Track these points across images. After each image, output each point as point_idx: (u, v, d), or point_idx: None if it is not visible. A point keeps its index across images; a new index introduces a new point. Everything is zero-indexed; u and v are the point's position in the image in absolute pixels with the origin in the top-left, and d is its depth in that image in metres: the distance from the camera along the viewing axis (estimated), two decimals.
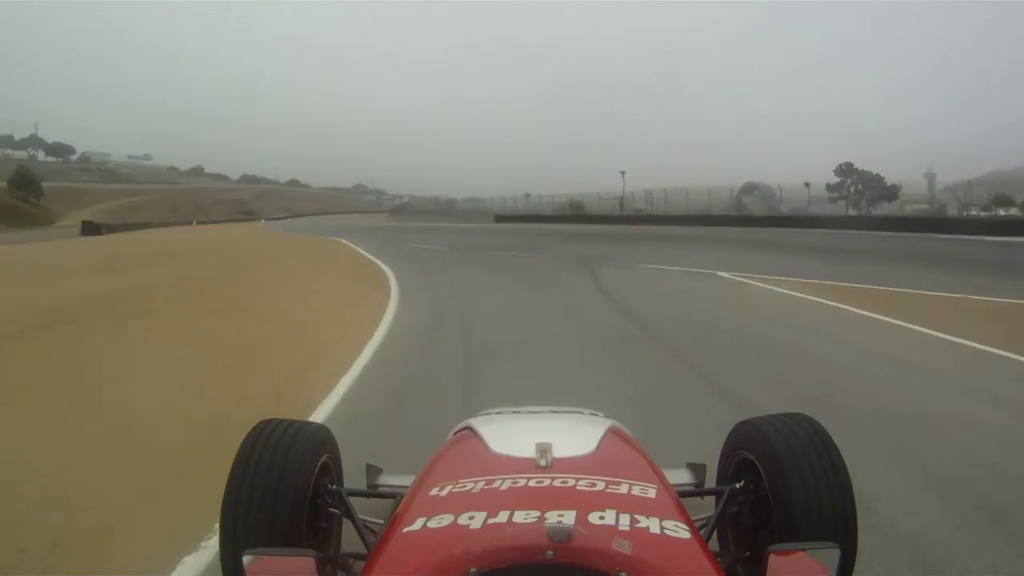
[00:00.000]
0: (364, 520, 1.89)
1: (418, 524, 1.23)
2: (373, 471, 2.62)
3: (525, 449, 1.57)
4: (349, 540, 1.98)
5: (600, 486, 1.35)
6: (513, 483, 1.37)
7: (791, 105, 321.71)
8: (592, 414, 2.21)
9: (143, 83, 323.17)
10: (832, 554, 1.22)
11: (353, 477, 2.44)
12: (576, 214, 52.21)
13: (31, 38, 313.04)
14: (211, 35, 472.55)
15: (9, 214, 60.25)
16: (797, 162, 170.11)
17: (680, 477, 2.44)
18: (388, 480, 2.55)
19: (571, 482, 1.36)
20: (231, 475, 1.74)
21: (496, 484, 1.37)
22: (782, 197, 46.87)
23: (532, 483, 1.37)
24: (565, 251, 19.81)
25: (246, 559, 1.28)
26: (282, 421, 1.93)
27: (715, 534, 1.89)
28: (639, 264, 14.86)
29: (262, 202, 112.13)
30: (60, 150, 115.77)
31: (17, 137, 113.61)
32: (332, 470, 2.05)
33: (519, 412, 2.24)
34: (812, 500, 1.69)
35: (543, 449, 1.54)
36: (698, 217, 39.99)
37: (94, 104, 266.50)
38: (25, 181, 69.77)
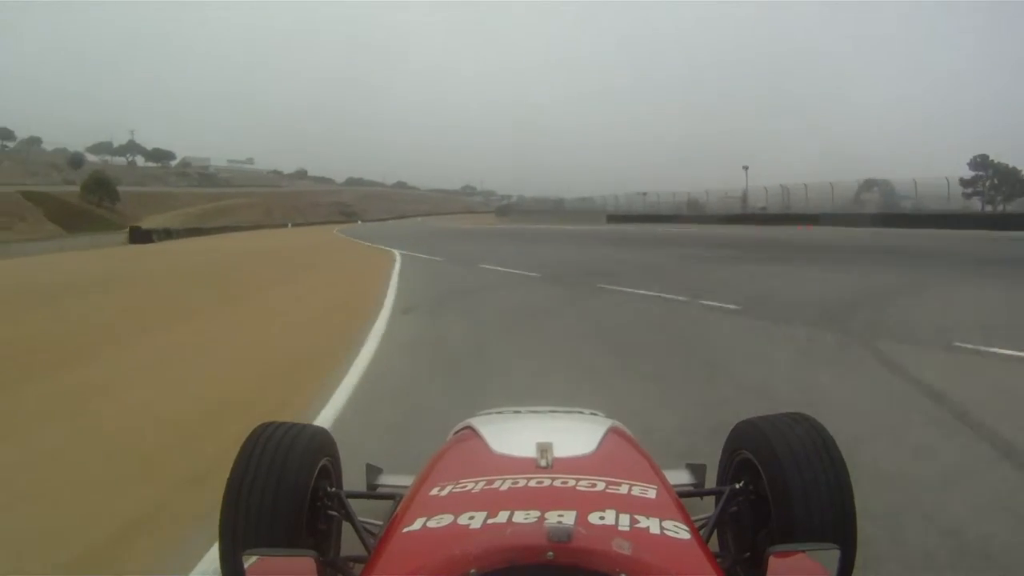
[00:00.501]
0: (364, 522, 1.83)
1: (417, 524, 1.20)
2: (373, 471, 2.52)
3: (525, 449, 1.53)
4: (349, 543, 1.90)
5: (600, 486, 1.32)
6: (513, 483, 1.33)
7: (895, 96, 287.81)
8: (592, 414, 2.16)
9: (248, 89, 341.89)
10: (832, 555, 1.20)
11: (353, 481, 2.28)
12: (695, 214, 45.24)
13: (136, 46, 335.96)
14: (317, 42, 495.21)
15: (80, 219, 58.42)
16: (908, 155, 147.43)
17: (680, 477, 2.37)
18: (388, 480, 2.48)
19: (571, 482, 1.33)
20: (230, 477, 1.67)
21: (496, 484, 1.33)
22: (915, 193, 38.30)
23: (532, 483, 1.33)
24: (746, 286, 10.26)
25: (246, 560, 1.27)
26: (281, 424, 1.86)
27: (715, 535, 1.81)
28: (959, 338, 5.65)
29: (366, 204, 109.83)
30: (160, 156, 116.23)
31: (116, 144, 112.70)
32: (331, 473, 1.99)
33: (520, 412, 2.17)
34: (811, 499, 1.62)
35: (543, 449, 1.50)
36: (843, 216, 33.66)
37: (197, 111, 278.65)
38: (99, 185, 66.65)
